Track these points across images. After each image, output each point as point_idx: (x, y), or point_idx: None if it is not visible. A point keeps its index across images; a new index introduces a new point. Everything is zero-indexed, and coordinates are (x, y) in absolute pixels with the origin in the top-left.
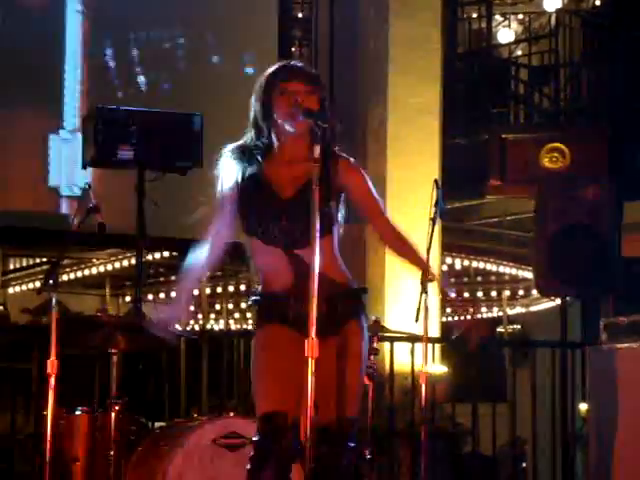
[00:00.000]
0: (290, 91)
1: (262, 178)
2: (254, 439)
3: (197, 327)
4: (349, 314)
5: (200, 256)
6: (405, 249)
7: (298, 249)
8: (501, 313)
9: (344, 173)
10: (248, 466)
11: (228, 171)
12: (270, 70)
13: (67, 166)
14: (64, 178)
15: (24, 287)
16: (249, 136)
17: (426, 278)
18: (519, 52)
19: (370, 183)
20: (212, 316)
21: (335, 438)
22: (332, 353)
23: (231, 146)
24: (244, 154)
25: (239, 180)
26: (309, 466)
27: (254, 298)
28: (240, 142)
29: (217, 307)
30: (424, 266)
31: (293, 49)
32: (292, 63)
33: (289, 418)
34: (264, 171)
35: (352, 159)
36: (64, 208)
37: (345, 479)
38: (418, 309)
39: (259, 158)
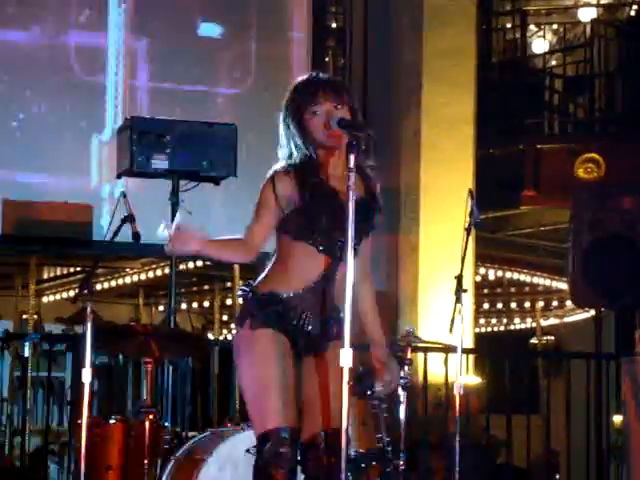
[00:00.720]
0: (322, 112)
1: (325, 184)
2: (255, 458)
3: (230, 337)
4: (337, 336)
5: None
6: (366, 303)
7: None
8: (534, 324)
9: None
10: None
11: (283, 185)
12: (297, 89)
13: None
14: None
15: (58, 296)
16: (291, 153)
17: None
18: (554, 62)
19: None
20: None
21: (329, 450)
22: (322, 370)
23: (281, 163)
24: (297, 167)
25: (300, 191)
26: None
27: (245, 291)
28: (287, 160)
29: None
30: (374, 329)
31: (327, 59)
32: (318, 80)
33: (293, 433)
34: (324, 182)
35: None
36: (98, 217)
37: None
38: (452, 319)
39: (314, 172)
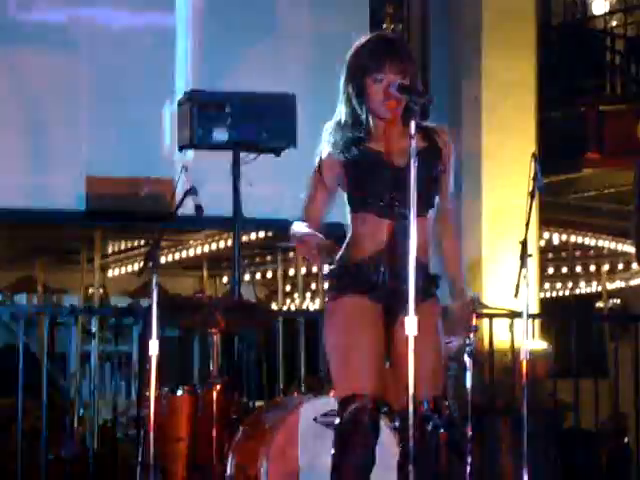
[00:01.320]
0: (385, 81)
1: (371, 150)
2: (336, 423)
3: (293, 307)
4: (427, 294)
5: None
6: (447, 251)
7: (404, 219)
8: (600, 288)
9: (443, 142)
10: (332, 450)
11: (331, 146)
12: (360, 50)
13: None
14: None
15: (123, 270)
16: (345, 113)
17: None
18: (614, 23)
19: (452, 162)
20: (308, 295)
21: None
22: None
23: (331, 123)
24: (346, 130)
25: (346, 154)
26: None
27: (334, 267)
28: (338, 119)
29: (313, 287)
30: (454, 278)
31: (384, 25)
32: (387, 47)
33: (371, 400)
34: (371, 144)
35: (447, 129)
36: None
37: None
38: (517, 284)
39: (362, 134)
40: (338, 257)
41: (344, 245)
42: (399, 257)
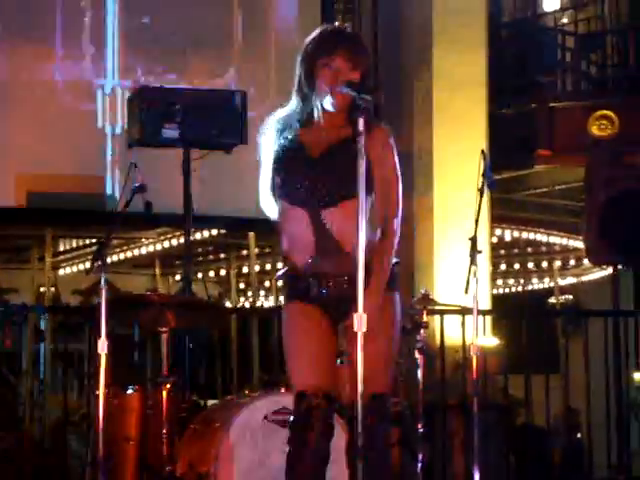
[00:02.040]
0: (334, 67)
1: (296, 140)
2: (290, 420)
3: (247, 304)
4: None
5: None
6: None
7: (323, 209)
8: (553, 284)
9: (374, 142)
10: (287, 448)
11: (268, 139)
12: (316, 36)
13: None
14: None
15: (75, 268)
16: (294, 101)
17: None
18: (565, 20)
19: (396, 162)
20: (262, 293)
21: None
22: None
23: (275, 114)
24: (286, 121)
25: (275, 145)
26: (359, 439)
27: (278, 274)
28: (285, 109)
29: (267, 284)
30: (372, 287)
31: (337, 23)
32: (338, 32)
33: (322, 395)
34: (300, 135)
35: (388, 130)
36: (110, 188)
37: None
38: (467, 281)
39: (297, 124)
40: (284, 253)
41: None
42: (327, 253)
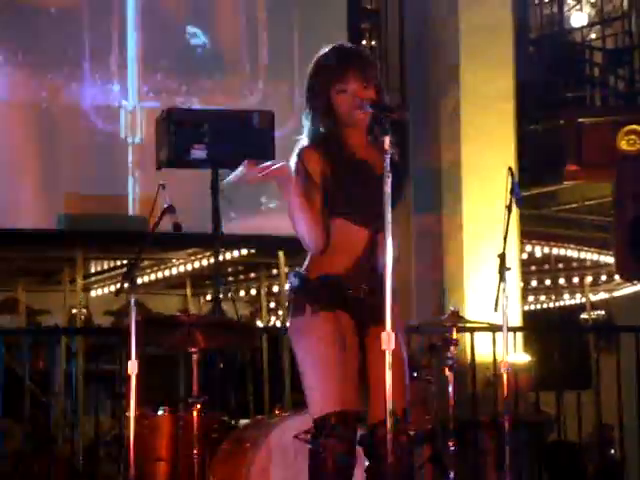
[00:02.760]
0: (349, 91)
1: (355, 160)
2: (311, 442)
3: (278, 323)
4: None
5: None
6: None
7: (380, 232)
8: (584, 299)
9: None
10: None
11: (313, 158)
12: (326, 63)
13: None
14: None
15: (106, 290)
16: (315, 129)
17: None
18: (593, 35)
19: None
20: None
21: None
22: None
23: (306, 137)
24: (324, 141)
25: (331, 164)
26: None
27: (306, 279)
28: (310, 133)
29: None
30: None
31: (364, 42)
32: (348, 57)
33: (352, 417)
34: (354, 153)
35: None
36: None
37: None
38: (497, 298)
39: (339, 143)
40: (309, 266)
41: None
42: (376, 270)
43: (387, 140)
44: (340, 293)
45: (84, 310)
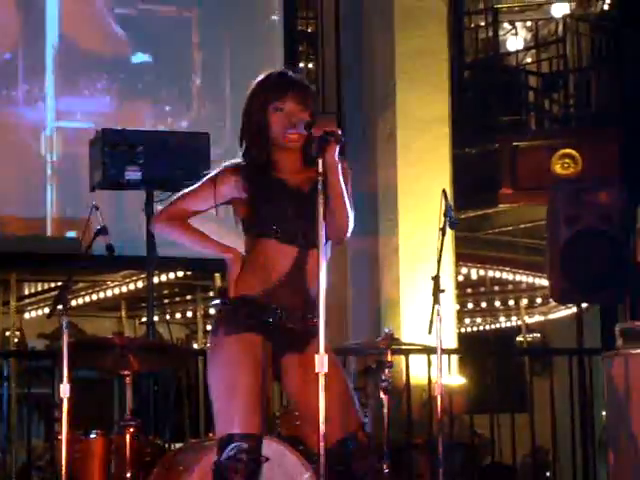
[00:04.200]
0: (285, 110)
1: (275, 177)
2: (214, 461)
3: None
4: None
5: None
6: None
7: (310, 250)
8: (520, 322)
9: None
10: None
11: (224, 184)
12: (266, 83)
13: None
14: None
15: (40, 312)
16: (247, 148)
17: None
18: (528, 59)
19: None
20: None
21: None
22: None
23: (232, 162)
24: (250, 163)
25: (252, 177)
26: None
27: (216, 302)
28: (238, 160)
29: None
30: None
31: (301, 64)
32: (288, 78)
33: (255, 441)
34: (273, 175)
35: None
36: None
37: None
38: (431, 320)
39: (263, 168)
40: (231, 286)
41: (239, 272)
42: (303, 292)
43: (320, 163)
44: (255, 317)
45: (17, 332)
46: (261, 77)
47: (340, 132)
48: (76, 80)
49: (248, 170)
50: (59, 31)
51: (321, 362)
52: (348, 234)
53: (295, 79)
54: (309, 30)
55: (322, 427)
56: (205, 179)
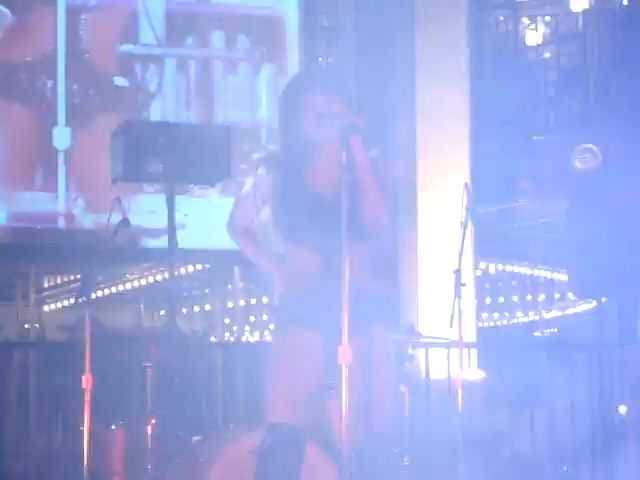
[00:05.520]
0: (314, 104)
1: (304, 185)
2: (259, 449)
3: (232, 339)
4: (373, 319)
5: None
6: None
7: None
8: (537, 317)
9: None
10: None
11: (264, 178)
12: (292, 82)
13: None
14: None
15: (59, 305)
16: (281, 145)
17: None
18: (548, 54)
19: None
20: (247, 328)
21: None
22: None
23: (266, 154)
24: (281, 162)
25: (280, 186)
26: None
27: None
28: (274, 151)
29: (252, 319)
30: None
31: (320, 59)
32: (312, 73)
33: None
34: (304, 178)
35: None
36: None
37: None
38: (452, 314)
39: (296, 166)
40: (276, 281)
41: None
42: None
43: (344, 156)
44: (301, 310)
45: (37, 325)
46: (291, 76)
47: (361, 122)
48: None
49: (278, 170)
50: None
51: (344, 353)
52: (383, 227)
53: (322, 72)
54: (325, 24)
55: (345, 420)
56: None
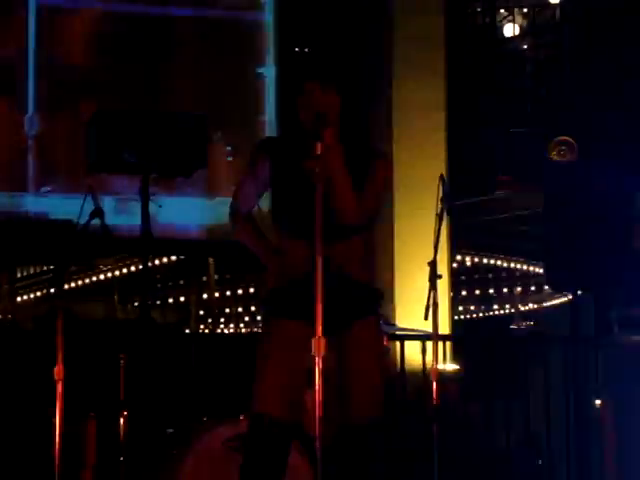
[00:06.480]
0: (307, 90)
1: (300, 172)
2: (245, 440)
3: (207, 331)
4: (365, 311)
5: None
6: None
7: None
8: (513, 310)
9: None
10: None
11: (263, 159)
12: (294, 68)
13: None
14: None
15: (32, 295)
16: (286, 130)
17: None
18: (525, 46)
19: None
20: (222, 320)
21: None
22: (353, 351)
23: (269, 138)
24: (281, 146)
25: (278, 171)
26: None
27: (267, 290)
28: (277, 136)
29: (227, 311)
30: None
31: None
32: (313, 59)
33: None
34: (300, 164)
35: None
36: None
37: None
38: (427, 306)
39: (293, 151)
40: (268, 274)
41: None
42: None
43: (318, 147)
44: (293, 303)
45: (9, 316)
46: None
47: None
48: None
49: (276, 152)
50: None
51: (318, 345)
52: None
53: (318, 58)
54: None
55: (318, 411)
56: (249, 162)
